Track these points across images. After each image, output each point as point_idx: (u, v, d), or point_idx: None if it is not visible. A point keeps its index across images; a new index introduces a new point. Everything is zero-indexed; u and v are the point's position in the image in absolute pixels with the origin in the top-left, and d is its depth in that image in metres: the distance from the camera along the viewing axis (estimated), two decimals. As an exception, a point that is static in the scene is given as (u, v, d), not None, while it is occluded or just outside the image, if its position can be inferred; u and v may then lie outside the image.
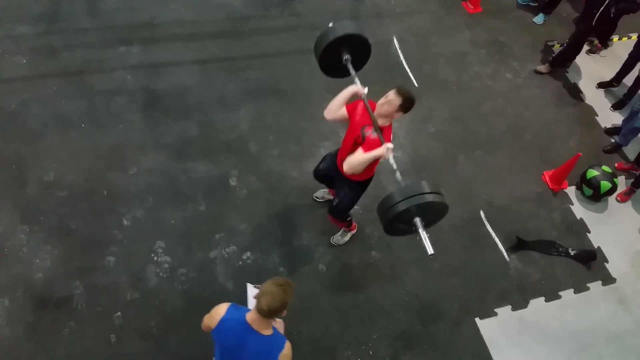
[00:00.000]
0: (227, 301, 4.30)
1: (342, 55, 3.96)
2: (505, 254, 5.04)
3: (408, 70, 6.08)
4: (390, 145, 3.60)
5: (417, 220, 3.33)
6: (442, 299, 4.70)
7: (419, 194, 3.25)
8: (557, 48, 6.84)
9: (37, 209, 4.56)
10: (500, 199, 5.36)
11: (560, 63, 6.49)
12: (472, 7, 6.99)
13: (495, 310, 4.73)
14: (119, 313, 4.18)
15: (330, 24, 4.03)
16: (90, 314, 4.15)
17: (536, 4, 7.22)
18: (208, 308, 4.24)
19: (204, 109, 5.39)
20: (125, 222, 4.61)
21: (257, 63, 5.87)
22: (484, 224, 5.17)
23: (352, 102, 3.96)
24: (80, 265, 4.34)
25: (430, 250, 3.31)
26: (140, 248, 4.51)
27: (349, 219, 4.59)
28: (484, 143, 5.78)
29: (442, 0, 7.03)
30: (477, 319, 4.65)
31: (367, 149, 3.69)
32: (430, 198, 3.25)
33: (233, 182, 4.99)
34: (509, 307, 4.77)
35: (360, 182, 4.16)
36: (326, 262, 4.69)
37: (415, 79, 6.00)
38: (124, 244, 4.50)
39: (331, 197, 4.95)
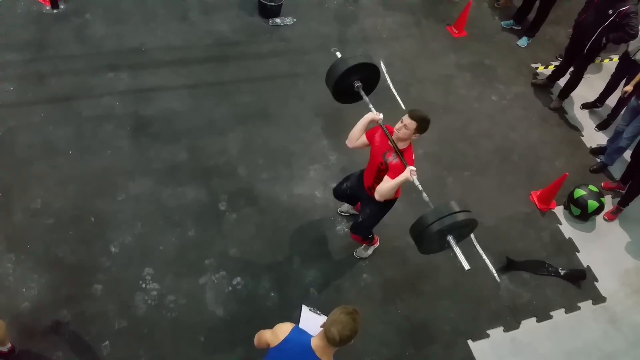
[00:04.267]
0: (217, 327, 4.30)
1: (353, 82, 4.11)
2: (495, 274, 5.01)
3: (395, 94, 6.11)
4: (412, 168, 3.73)
5: (450, 238, 3.49)
6: (434, 321, 4.68)
7: (451, 214, 3.40)
8: (540, 70, 6.96)
9: (24, 237, 4.50)
10: (489, 220, 5.38)
11: (567, 94, 6.57)
12: (456, 32, 7.10)
13: (487, 331, 4.71)
14: (107, 342, 4.11)
15: (338, 54, 4.14)
16: (77, 343, 4.07)
17: (519, 28, 7.35)
18: (197, 335, 4.24)
19: (192, 134, 5.39)
20: (113, 249, 4.56)
21: (245, 87, 5.91)
22: (474, 245, 5.15)
23: (371, 129, 4.08)
24: (67, 294, 4.28)
25: (466, 265, 3.44)
26: (129, 275, 4.45)
27: (370, 236, 4.67)
28: (472, 164, 5.82)
29: (427, 25, 7.14)
30: (469, 341, 4.63)
31: (393, 175, 3.84)
32: (461, 217, 3.40)
33: (222, 206, 4.97)
34: (501, 328, 4.76)
35: (386, 202, 4.21)
36: (317, 286, 4.66)
37: (402, 102, 6.03)
38: (112, 272, 4.45)
39: (355, 212, 5.04)
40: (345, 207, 5.09)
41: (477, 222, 3.59)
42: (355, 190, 4.45)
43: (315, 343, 2.80)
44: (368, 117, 4.00)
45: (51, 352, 4.01)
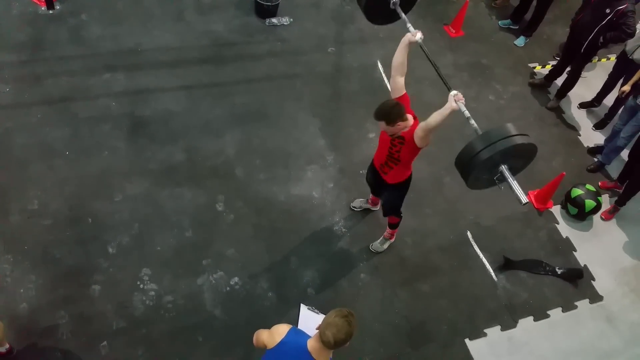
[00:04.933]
0: (215, 327, 4.30)
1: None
2: (493, 274, 5.05)
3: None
4: (453, 92, 3.37)
5: (504, 168, 3.11)
6: (432, 321, 4.69)
7: (504, 138, 2.98)
8: (538, 69, 6.97)
9: (21, 238, 4.49)
10: (486, 220, 5.39)
11: (565, 93, 6.58)
12: (454, 31, 7.11)
13: (485, 330, 4.72)
14: (104, 343, 4.11)
15: None
16: (75, 344, 4.07)
17: (517, 27, 7.35)
18: (196, 335, 4.24)
19: (189, 135, 5.39)
20: (110, 249, 4.56)
21: (242, 88, 5.90)
22: (472, 244, 5.19)
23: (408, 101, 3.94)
24: (65, 295, 4.28)
25: (523, 199, 3.11)
26: (126, 276, 4.45)
27: (401, 215, 4.69)
28: (469, 164, 5.81)
29: (424, 24, 7.12)
30: (466, 340, 4.64)
31: (411, 139, 3.73)
32: (517, 140, 2.99)
33: (220, 207, 4.97)
34: (498, 327, 4.76)
35: (399, 184, 4.24)
36: (315, 286, 4.66)
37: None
38: (110, 272, 4.44)
39: (368, 206, 5.13)
40: (358, 202, 5.13)
41: (537, 150, 3.17)
42: (375, 178, 4.49)
43: (311, 345, 2.81)
44: (405, 39, 3.75)
45: (49, 353, 4.00)
